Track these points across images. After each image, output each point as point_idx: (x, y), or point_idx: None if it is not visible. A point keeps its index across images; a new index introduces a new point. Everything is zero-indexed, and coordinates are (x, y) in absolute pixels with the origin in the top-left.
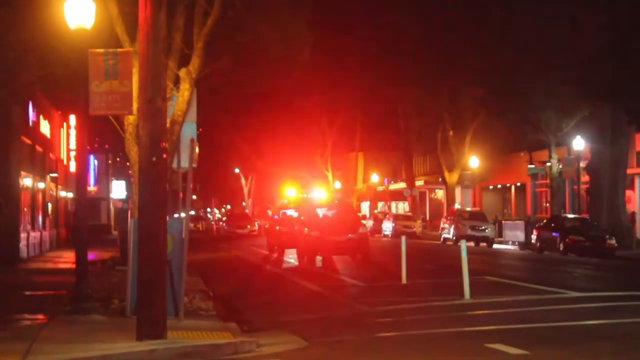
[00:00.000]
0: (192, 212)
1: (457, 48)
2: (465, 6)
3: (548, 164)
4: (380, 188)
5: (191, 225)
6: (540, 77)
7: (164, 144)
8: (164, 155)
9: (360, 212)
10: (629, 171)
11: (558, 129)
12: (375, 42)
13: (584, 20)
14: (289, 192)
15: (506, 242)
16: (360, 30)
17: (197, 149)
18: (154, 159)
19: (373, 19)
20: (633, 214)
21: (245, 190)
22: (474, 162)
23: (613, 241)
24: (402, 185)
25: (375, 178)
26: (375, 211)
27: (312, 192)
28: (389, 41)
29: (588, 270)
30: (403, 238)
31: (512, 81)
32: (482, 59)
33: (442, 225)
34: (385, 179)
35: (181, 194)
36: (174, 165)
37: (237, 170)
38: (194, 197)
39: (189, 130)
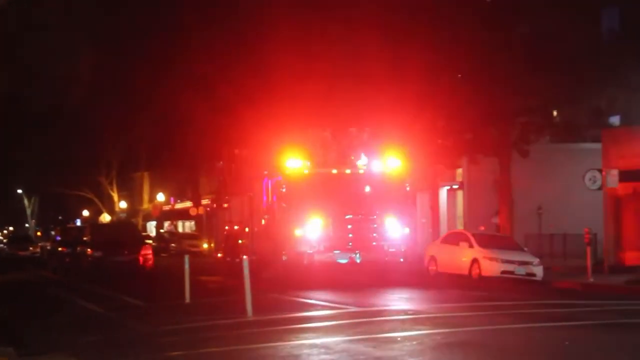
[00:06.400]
0: None
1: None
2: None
3: None
4: (167, 207)
5: None
6: None
7: None
8: None
9: (146, 231)
10: None
11: None
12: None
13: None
14: (291, 164)
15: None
16: (142, 49)
17: None
18: None
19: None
20: None
21: (29, 212)
22: None
23: None
24: (188, 204)
25: (161, 197)
26: (162, 230)
27: (361, 159)
28: (170, 56)
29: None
30: (186, 257)
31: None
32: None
33: None
34: (172, 198)
35: None
36: None
37: (19, 191)
38: None
39: None
